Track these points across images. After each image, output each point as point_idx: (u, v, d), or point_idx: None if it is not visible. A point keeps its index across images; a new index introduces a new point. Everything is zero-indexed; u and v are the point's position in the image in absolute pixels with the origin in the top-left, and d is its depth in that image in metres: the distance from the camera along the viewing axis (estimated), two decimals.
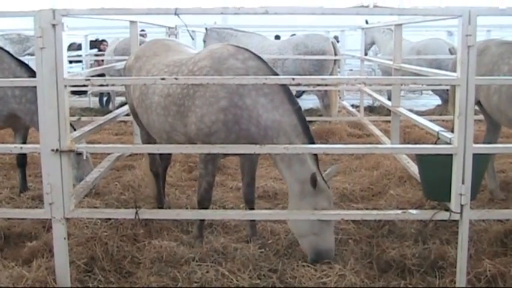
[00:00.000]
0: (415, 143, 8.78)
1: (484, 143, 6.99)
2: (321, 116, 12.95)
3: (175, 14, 4.70)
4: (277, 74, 5.52)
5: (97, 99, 16.78)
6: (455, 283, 4.91)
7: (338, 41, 17.38)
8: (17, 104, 6.87)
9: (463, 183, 4.72)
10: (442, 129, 5.57)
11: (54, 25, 4.58)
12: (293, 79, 4.92)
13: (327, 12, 4.77)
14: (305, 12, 4.80)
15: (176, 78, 4.89)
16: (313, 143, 5.27)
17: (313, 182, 5.06)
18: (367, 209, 6.66)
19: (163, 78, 4.80)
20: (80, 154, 4.82)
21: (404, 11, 5.87)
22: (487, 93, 6.31)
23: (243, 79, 4.91)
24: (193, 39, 7.49)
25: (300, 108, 5.34)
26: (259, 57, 5.52)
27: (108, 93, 16.00)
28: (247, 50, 5.61)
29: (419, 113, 12.61)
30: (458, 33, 4.71)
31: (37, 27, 4.58)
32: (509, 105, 6.45)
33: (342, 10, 4.62)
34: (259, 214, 5.67)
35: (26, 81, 6.09)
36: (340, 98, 14.03)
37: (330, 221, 5.26)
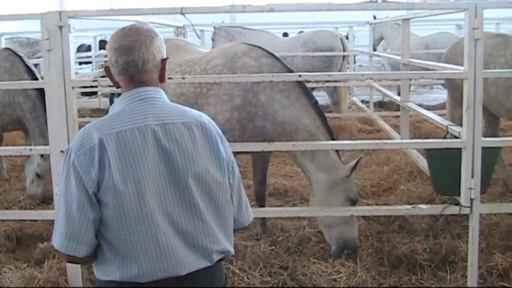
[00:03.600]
0: (426, 137, 8.75)
1: (486, 136, 6.97)
2: (330, 112, 12.92)
3: (181, 13, 4.69)
4: (291, 70, 5.51)
5: (107, 100, 16.78)
6: (466, 278, 4.90)
7: (347, 38, 17.36)
8: (21, 111, 6.98)
9: (472, 177, 4.70)
10: (451, 123, 5.55)
11: (60, 27, 4.59)
12: (299, 76, 4.92)
13: (334, 9, 4.74)
14: (311, 9, 4.77)
15: (183, 78, 4.89)
16: (332, 134, 5.34)
17: (356, 166, 5.16)
18: (377, 204, 6.64)
19: (170, 78, 4.80)
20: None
21: (411, 5, 5.87)
22: (484, 86, 6.34)
23: (249, 77, 4.91)
24: (200, 38, 7.47)
25: (316, 102, 5.37)
26: (272, 55, 5.52)
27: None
28: (260, 47, 5.61)
29: (430, 108, 12.60)
30: (465, 26, 4.69)
31: (44, 30, 4.60)
32: (507, 96, 6.47)
33: (348, 6, 4.61)
34: (269, 211, 5.66)
35: (34, 83, 6.12)
36: (350, 94, 14.00)
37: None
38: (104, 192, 2.32)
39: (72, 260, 2.44)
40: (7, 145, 8.94)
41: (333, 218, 5.20)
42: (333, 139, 5.32)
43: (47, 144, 6.56)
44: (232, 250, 2.62)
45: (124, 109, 2.48)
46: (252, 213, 2.80)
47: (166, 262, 2.38)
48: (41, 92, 6.85)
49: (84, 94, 16.42)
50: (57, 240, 2.38)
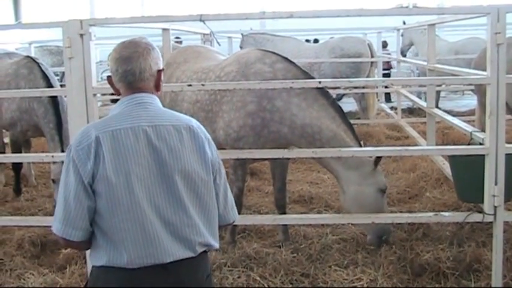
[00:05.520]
0: (454, 144, 8.63)
1: None
2: (358, 118, 12.85)
3: (201, 20, 4.71)
4: (308, 74, 5.49)
5: None
6: (491, 287, 4.81)
7: (387, 44, 17.25)
8: (36, 117, 7.15)
9: (496, 184, 4.62)
10: (475, 129, 5.47)
11: (82, 35, 4.64)
12: (320, 82, 4.89)
13: (352, 14, 4.71)
14: (329, 15, 4.76)
15: (203, 85, 4.90)
16: (353, 130, 5.36)
17: (378, 161, 5.20)
18: (401, 211, 6.56)
19: (189, 85, 4.82)
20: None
21: (431, 10, 5.79)
22: None
23: (269, 83, 4.90)
24: (220, 45, 7.54)
25: (334, 100, 5.37)
26: (287, 59, 5.50)
27: None
28: (274, 53, 5.60)
29: (460, 114, 12.45)
30: (487, 31, 4.62)
31: (65, 38, 4.66)
32: None
33: (365, 11, 4.56)
34: (289, 219, 5.64)
35: (56, 91, 6.19)
36: (378, 100, 13.89)
37: (385, 195, 5.38)
38: (98, 182, 2.57)
39: (68, 244, 2.71)
40: (36, 152, 9.06)
41: (369, 207, 5.22)
42: (354, 135, 5.33)
43: (56, 149, 6.75)
44: (216, 244, 2.84)
45: (121, 112, 2.74)
46: (236, 212, 3.04)
47: (152, 249, 2.60)
48: (53, 98, 6.99)
49: (114, 101, 16.52)
50: (55, 226, 2.65)
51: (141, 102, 2.74)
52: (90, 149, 2.58)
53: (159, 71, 2.83)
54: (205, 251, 2.78)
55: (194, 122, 2.83)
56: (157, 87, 2.85)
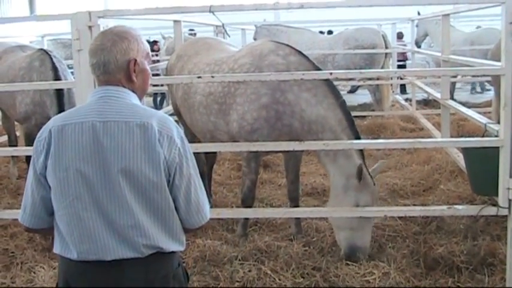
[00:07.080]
0: (468, 136, 8.54)
1: None
2: (373, 110, 12.78)
3: (210, 11, 4.66)
4: (319, 69, 5.43)
5: (150, 99, 16.89)
6: (505, 281, 4.74)
7: (402, 35, 17.13)
8: (48, 110, 7.13)
9: (510, 176, 4.54)
10: (490, 121, 5.39)
11: (90, 27, 4.61)
12: (331, 73, 4.82)
13: (364, 4, 4.65)
14: (340, 5, 4.70)
15: (213, 77, 4.85)
16: (358, 137, 5.19)
17: (359, 174, 4.97)
18: (414, 204, 6.49)
19: (199, 77, 4.77)
20: None
21: (444, 0, 5.70)
22: None
23: (280, 75, 4.84)
24: (229, 36, 7.52)
25: (343, 101, 5.26)
26: (300, 52, 5.45)
27: (162, 93, 16.08)
28: (287, 45, 5.56)
29: (476, 105, 12.32)
30: (501, 21, 4.53)
31: (74, 30, 4.63)
32: None
33: (377, 1, 4.48)
34: (300, 212, 5.58)
35: (65, 83, 6.16)
36: (393, 91, 13.80)
37: (370, 218, 5.17)
38: (48, 175, 2.63)
39: (27, 230, 2.84)
40: None
41: (341, 221, 5.14)
42: None
43: None
44: (174, 247, 2.71)
45: (85, 104, 2.72)
46: (205, 215, 2.78)
47: (93, 245, 2.58)
48: (58, 91, 6.97)
49: None
50: (20, 212, 2.79)
51: (103, 96, 2.65)
52: (44, 142, 2.62)
53: (130, 62, 2.66)
54: (161, 252, 2.65)
55: (155, 119, 2.62)
56: (129, 78, 2.69)
